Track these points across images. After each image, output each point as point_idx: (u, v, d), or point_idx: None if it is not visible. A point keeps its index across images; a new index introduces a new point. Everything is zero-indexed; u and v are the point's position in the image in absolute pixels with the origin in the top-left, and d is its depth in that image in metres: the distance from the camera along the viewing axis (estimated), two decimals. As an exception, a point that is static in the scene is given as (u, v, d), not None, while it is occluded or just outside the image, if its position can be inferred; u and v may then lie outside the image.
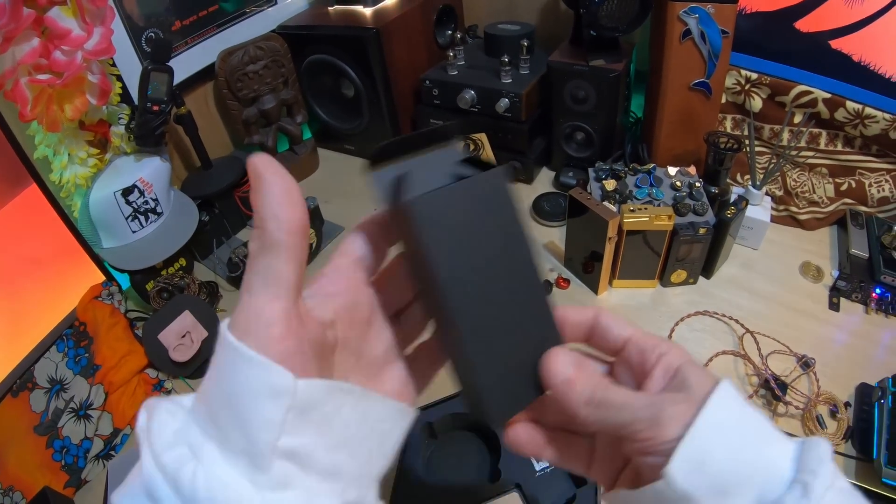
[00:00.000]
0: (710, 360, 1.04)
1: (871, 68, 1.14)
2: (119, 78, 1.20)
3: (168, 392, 1.09)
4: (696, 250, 1.11)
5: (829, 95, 1.20)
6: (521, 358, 0.41)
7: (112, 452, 1.03)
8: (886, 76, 1.13)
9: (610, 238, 1.07)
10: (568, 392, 0.40)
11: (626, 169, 1.23)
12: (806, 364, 1.00)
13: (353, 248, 0.41)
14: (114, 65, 1.19)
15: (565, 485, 0.92)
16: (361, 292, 0.41)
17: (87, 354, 1.07)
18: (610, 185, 1.18)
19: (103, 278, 1.18)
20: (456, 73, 1.46)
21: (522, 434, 0.46)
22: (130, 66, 1.25)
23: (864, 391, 0.96)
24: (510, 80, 1.39)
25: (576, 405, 0.40)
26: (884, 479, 0.83)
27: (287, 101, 1.56)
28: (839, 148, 1.26)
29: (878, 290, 1.09)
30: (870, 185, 1.23)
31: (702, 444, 0.35)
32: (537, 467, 0.93)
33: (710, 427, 0.35)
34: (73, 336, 1.08)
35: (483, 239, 0.38)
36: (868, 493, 0.83)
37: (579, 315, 0.44)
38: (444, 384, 1.02)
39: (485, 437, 1.00)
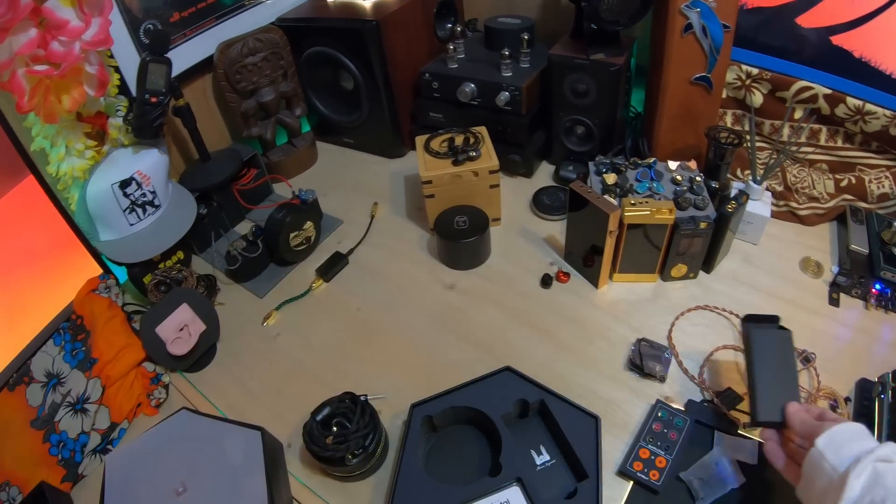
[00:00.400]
0: (711, 354, 1.05)
1: (872, 65, 1.15)
2: (117, 69, 1.20)
3: (165, 386, 1.10)
4: (696, 245, 1.12)
5: (829, 91, 1.21)
6: (780, 401, 0.83)
7: (109, 447, 1.03)
8: (887, 73, 1.14)
9: (611, 232, 1.08)
10: (793, 419, 0.80)
11: (627, 163, 1.23)
12: (806, 359, 1.01)
13: None
14: (112, 56, 1.19)
15: (566, 479, 0.92)
16: None
17: (84, 348, 1.07)
18: (610, 178, 1.19)
19: (100, 271, 1.17)
20: (456, 66, 1.46)
21: (771, 445, 0.82)
22: (128, 58, 1.25)
23: (863, 386, 0.97)
24: (510, 74, 1.39)
25: (794, 426, 0.79)
26: None
27: (286, 93, 1.57)
28: (839, 144, 1.27)
29: (877, 286, 1.10)
30: (870, 182, 1.24)
31: (834, 433, 0.72)
32: (538, 461, 0.94)
33: (841, 429, 0.72)
34: (70, 329, 1.07)
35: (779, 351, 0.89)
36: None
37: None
38: (443, 377, 1.03)
39: (485, 431, 0.99)
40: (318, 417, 0.91)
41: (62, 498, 0.94)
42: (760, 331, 0.91)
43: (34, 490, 0.89)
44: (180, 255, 1.29)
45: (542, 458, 0.95)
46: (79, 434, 1.00)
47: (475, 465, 0.96)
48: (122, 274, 1.23)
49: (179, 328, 1.09)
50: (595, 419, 0.95)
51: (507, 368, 1.03)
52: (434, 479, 0.92)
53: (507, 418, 0.97)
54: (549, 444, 0.97)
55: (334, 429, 0.91)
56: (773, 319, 0.94)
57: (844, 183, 1.27)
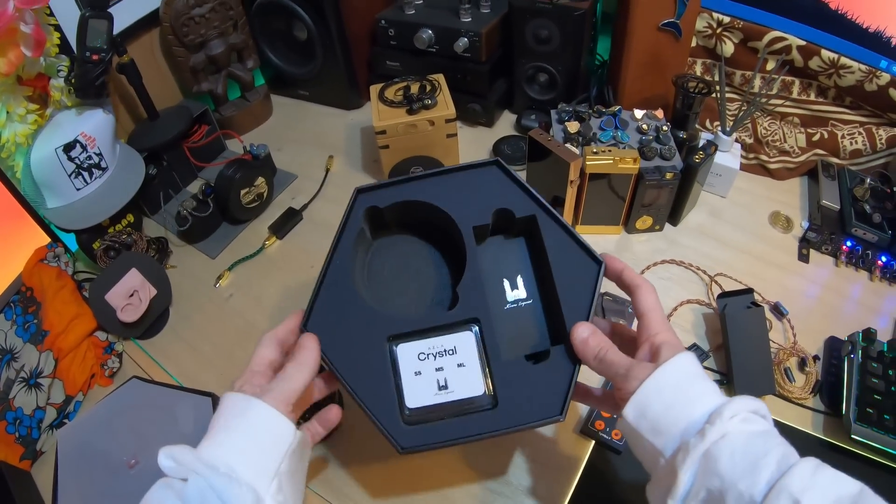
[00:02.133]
0: (675, 308, 1.09)
1: (849, 17, 1.16)
2: (57, 28, 1.19)
3: (119, 355, 1.13)
4: (662, 196, 1.15)
5: (803, 43, 1.22)
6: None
7: (66, 420, 1.04)
8: (864, 26, 1.15)
9: (572, 181, 1.10)
10: (584, 349, 0.69)
11: (591, 111, 1.25)
12: (780, 312, 1.05)
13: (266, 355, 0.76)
14: (51, 14, 1.18)
15: (539, 333, 0.78)
16: None
17: (35, 321, 1.08)
18: (573, 127, 1.20)
19: (49, 240, 1.18)
20: (413, 12, 1.47)
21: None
22: (69, 15, 1.23)
23: (833, 345, 1.01)
24: (469, 19, 1.40)
25: (587, 359, 0.69)
26: (852, 435, 0.87)
27: (237, 45, 1.57)
28: (812, 98, 1.30)
29: (848, 243, 1.13)
30: (842, 137, 1.27)
31: (645, 398, 0.61)
32: (509, 297, 0.81)
33: (653, 387, 0.61)
34: (20, 302, 1.09)
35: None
36: (836, 449, 0.89)
37: (615, 263, 0.75)
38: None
39: (450, 245, 0.85)
40: None
41: (21, 476, 0.96)
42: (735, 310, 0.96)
43: None
44: (130, 218, 1.31)
45: (516, 293, 0.81)
46: (34, 410, 1.01)
47: (426, 289, 0.84)
48: (71, 241, 1.24)
49: (129, 294, 1.11)
50: (598, 265, 0.75)
51: (496, 163, 0.83)
52: (367, 298, 0.80)
53: (482, 232, 0.81)
54: (529, 279, 0.82)
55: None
56: (747, 292, 1.00)
57: (816, 137, 1.29)
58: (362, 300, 0.77)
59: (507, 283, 0.81)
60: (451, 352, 0.74)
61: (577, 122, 1.22)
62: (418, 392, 0.73)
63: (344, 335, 0.75)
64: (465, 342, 0.74)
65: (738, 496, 0.52)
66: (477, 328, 0.75)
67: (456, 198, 0.81)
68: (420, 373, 0.73)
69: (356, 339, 0.75)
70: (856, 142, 1.26)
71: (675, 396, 0.60)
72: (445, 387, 0.73)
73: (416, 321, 0.76)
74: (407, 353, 0.75)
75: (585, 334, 0.69)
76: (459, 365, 0.73)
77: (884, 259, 1.11)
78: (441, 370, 0.74)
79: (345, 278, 0.78)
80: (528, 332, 0.78)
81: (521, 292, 0.81)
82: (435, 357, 0.74)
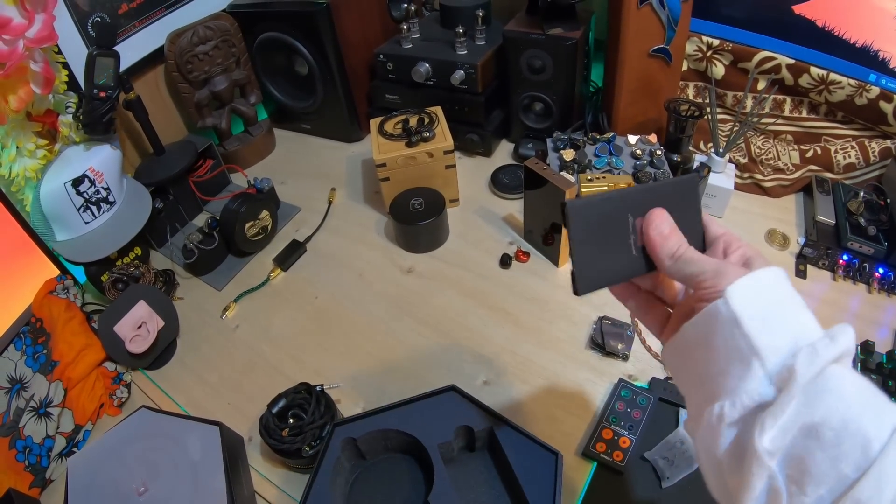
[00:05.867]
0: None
1: (836, 33, 1.18)
2: (65, 65, 1.23)
3: (127, 385, 1.14)
4: (658, 219, 1.16)
5: (793, 61, 1.25)
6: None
7: (75, 449, 1.05)
8: (851, 41, 1.17)
9: None
10: (662, 244, 0.55)
11: (585, 138, 1.27)
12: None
13: None
14: (59, 52, 1.22)
15: None
16: None
17: (45, 351, 1.09)
18: (568, 154, 1.22)
19: (58, 272, 1.20)
20: (410, 46, 1.50)
21: (618, 287, 0.63)
22: (77, 53, 1.27)
23: None
24: (465, 52, 1.42)
25: (663, 257, 0.55)
26: None
27: (239, 81, 1.61)
28: (804, 114, 1.32)
29: (845, 257, 1.13)
30: (835, 152, 1.28)
31: (757, 284, 0.48)
32: None
33: (764, 279, 0.49)
34: (30, 333, 1.10)
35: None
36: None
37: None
38: (402, 364, 1.10)
39: (422, 463, 0.91)
40: (274, 410, 0.94)
41: (31, 504, 0.96)
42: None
43: (2, 498, 0.91)
44: (138, 251, 1.33)
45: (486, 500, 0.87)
46: (44, 438, 1.02)
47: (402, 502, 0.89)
48: (80, 274, 1.26)
49: (137, 325, 1.12)
50: (555, 456, 0.83)
51: (452, 388, 0.93)
52: None
53: (447, 449, 0.88)
54: (496, 485, 0.88)
55: (290, 420, 0.93)
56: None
57: (810, 154, 1.31)
58: None
59: (482, 491, 0.88)
60: None
61: (572, 150, 1.24)
62: None
63: None
64: None
65: (853, 434, 0.42)
66: None
67: (421, 421, 0.89)
68: None
69: None
70: (849, 156, 1.27)
71: (784, 295, 0.49)
72: None
73: None
74: None
75: (664, 229, 0.56)
76: None
77: (881, 271, 1.11)
78: None
79: (329, 501, 0.83)
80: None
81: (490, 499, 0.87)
82: None
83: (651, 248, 0.56)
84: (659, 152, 1.20)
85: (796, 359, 0.44)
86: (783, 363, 0.45)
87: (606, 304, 1.15)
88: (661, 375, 1.02)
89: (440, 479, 0.83)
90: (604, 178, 1.11)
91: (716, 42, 1.31)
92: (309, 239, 1.41)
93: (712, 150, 1.25)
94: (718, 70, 1.34)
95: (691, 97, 1.42)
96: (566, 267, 1.24)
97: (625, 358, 1.05)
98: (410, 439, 0.88)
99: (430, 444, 0.86)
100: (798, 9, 1.20)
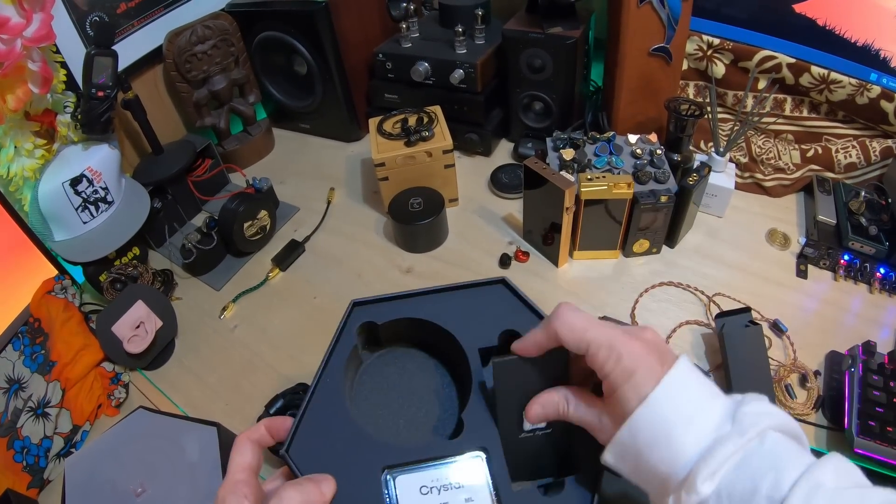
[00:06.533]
0: (674, 330, 1.09)
1: (837, 32, 1.18)
2: (64, 65, 1.23)
3: (125, 385, 1.14)
4: (658, 219, 1.15)
5: (793, 60, 1.24)
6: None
7: (73, 450, 1.05)
8: (852, 40, 1.17)
9: (567, 208, 1.10)
10: (546, 412, 0.64)
11: (585, 138, 1.26)
12: (779, 329, 1.05)
13: (247, 459, 0.61)
14: (57, 51, 1.22)
15: (552, 463, 0.70)
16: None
17: (43, 351, 1.09)
18: (568, 154, 1.22)
19: (56, 272, 1.20)
20: (409, 45, 1.49)
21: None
22: (75, 52, 1.26)
23: (833, 359, 1.00)
24: (465, 51, 1.42)
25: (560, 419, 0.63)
26: (855, 449, 0.85)
27: (238, 80, 1.61)
28: (805, 114, 1.31)
29: (846, 257, 1.13)
30: (836, 151, 1.28)
31: (623, 445, 0.55)
32: (526, 428, 0.68)
33: (629, 435, 0.55)
34: (28, 333, 1.09)
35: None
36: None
37: (534, 338, 0.63)
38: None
39: (451, 365, 0.78)
40: (272, 410, 0.94)
41: (28, 504, 0.96)
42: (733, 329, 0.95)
43: (0, 498, 0.91)
44: (136, 250, 1.33)
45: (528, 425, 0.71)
46: (42, 439, 1.02)
47: (426, 412, 0.75)
48: (78, 273, 1.26)
49: (135, 326, 1.12)
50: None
51: (503, 281, 0.81)
52: (360, 422, 0.71)
53: (487, 354, 0.74)
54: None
55: (288, 421, 0.93)
56: (745, 311, 1.00)
57: (811, 153, 1.30)
58: (355, 424, 0.69)
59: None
60: (457, 486, 0.65)
61: (572, 150, 1.23)
62: None
63: (332, 463, 0.65)
64: (472, 474, 0.65)
65: None
66: (486, 458, 0.66)
67: (459, 317, 0.76)
68: None
69: (347, 468, 0.65)
70: (850, 155, 1.26)
71: (652, 439, 0.54)
72: None
73: (416, 450, 0.67)
74: (407, 486, 0.64)
75: (539, 412, 0.64)
76: (467, 500, 0.64)
77: (882, 271, 1.10)
78: None
79: (336, 399, 0.71)
80: (541, 460, 0.69)
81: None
82: (439, 491, 0.64)
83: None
84: (659, 152, 1.19)
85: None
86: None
87: (607, 304, 1.15)
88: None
89: (478, 396, 0.71)
90: (603, 177, 1.10)
91: (716, 41, 1.31)
92: (308, 239, 1.40)
93: (713, 149, 1.24)
94: (719, 69, 1.33)
95: (692, 96, 1.41)
96: (566, 267, 1.24)
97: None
98: (444, 338, 0.76)
99: (471, 349, 0.74)
100: (799, 8, 1.20)
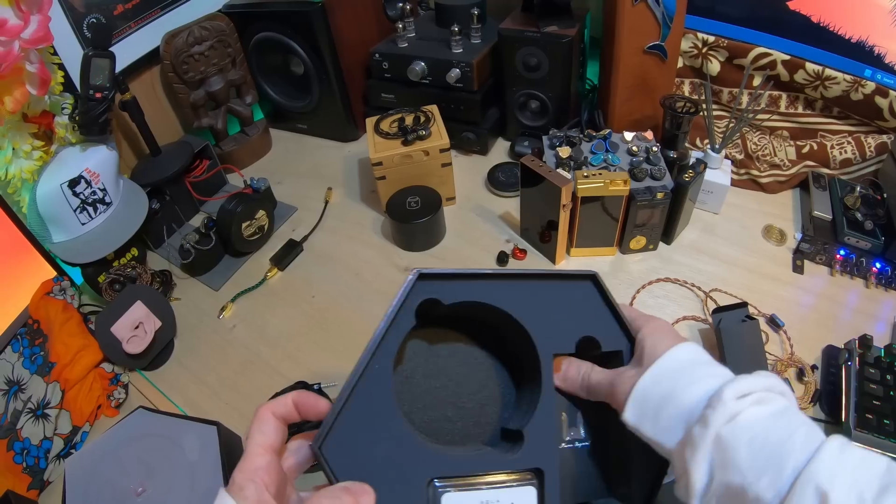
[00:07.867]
0: (672, 326, 1.09)
1: (831, 29, 1.18)
2: (61, 66, 1.23)
3: (125, 386, 1.14)
4: (654, 216, 1.16)
5: (788, 57, 1.25)
6: None
7: (73, 451, 1.05)
8: (846, 37, 1.17)
9: (564, 205, 1.11)
10: (569, 385, 0.66)
11: (581, 136, 1.27)
12: (775, 324, 1.05)
13: (270, 438, 0.54)
14: (55, 53, 1.22)
15: (595, 481, 0.66)
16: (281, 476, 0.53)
17: (42, 353, 1.09)
18: (564, 152, 1.22)
19: (55, 273, 1.20)
20: (406, 45, 1.50)
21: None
22: (73, 54, 1.27)
23: (830, 353, 1.00)
24: (461, 50, 1.43)
25: (576, 390, 0.66)
26: (853, 442, 0.87)
27: (235, 81, 1.61)
28: (800, 110, 1.32)
29: (842, 252, 1.13)
30: (832, 147, 1.28)
31: (641, 394, 0.58)
32: (566, 435, 0.66)
33: (649, 381, 0.58)
34: (27, 335, 1.09)
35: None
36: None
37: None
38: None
39: (515, 365, 0.68)
40: None
41: (29, 506, 0.96)
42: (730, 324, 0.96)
43: (0, 500, 0.92)
44: (134, 251, 1.33)
45: (574, 433, 0.67)
46: (41, 440, 1.02)
47: (480, 416, 0.66)
48: (77, 275, 1.26)
49: (134, 326, 1.12)
50: None
51: (593, 277, 0.66)
52: (407, 418, 0.61)
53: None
54: (593, 419, 0.68)
55: (288, 420, 0.92)
56: (741, 306, 1.01)
57: (806, 149, 1.31)
58: (402, 422, 0.58)
59: (566, 418, 0.67)
60: None
61: (568, 147, 1.23)
62: None
63: (372, 466, 0.55)
64: (524, 498, 0.59)
65: (761, 492, 0.47)
66: (538, 483, 0.60)
67: (539, 313, 0.64)
68: None
69: (388, 474, 0.56)
70: (845, 151, 1.27)
71: (672, 385, 0.55)
72: None
73: (468, 460, 0.60)
74: None
75: (560, 369, 0.67)
76: None
77: (878, 265, 1.11)
78: None
79: (383, 390, 0.58)
80: (584, 479, 0.65)
81: (579, 433, 0.67)
82: None
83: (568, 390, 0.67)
84: (655, 149, 1.20)
85: (690, 445, 0.53)
86: (681, 445, 0.55)
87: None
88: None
89: (546, 410, 0.62)
90: (599, 174, 1.11)
91: (711, 38, 1.31)
92: (306, 238, 1.41)
93: (708, 146, 1.25)
94: (714, 66, 1.34)
95: (687, 94, 1.42)
96: (563, 264, 1.24)
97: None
98: (517, 334, 0.64)
99: (545, 353, 0.64)
100: (793, 5, 1.20)
